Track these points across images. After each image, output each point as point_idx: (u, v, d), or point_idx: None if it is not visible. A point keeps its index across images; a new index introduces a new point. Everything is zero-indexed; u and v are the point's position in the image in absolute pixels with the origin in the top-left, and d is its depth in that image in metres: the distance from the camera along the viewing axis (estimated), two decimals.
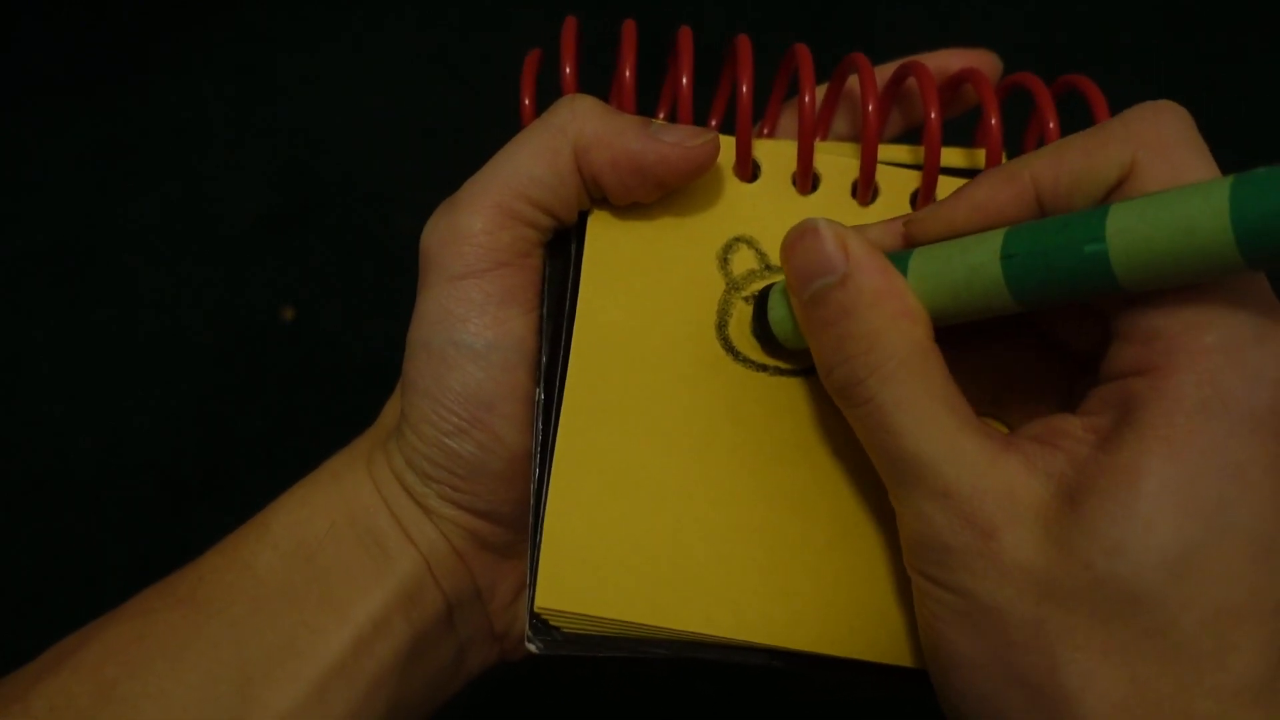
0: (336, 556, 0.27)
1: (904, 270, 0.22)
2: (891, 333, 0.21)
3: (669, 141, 0.25)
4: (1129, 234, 0.18)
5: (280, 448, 0.65)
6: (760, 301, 0.26)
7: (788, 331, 0.25)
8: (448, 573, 0.28)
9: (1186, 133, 0.21)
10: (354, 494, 0.28)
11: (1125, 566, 0.19)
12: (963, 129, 0.31)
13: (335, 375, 0.67)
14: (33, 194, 0.72)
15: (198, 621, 0.25)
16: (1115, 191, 0.21)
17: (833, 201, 0.28)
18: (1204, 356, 0.19)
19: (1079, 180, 0.21)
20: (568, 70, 0.28)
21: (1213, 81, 0.73)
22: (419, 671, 0.28)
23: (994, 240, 0.21)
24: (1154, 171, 0.20)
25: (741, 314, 0.27)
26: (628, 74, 0.28)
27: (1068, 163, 0.21)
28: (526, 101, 0.28)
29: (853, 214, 0.28)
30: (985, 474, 0.20)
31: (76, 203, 0.72)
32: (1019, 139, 0.30)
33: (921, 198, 0.28)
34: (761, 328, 0.26)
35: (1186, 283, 0.19)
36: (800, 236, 0.23)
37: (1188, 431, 0.19)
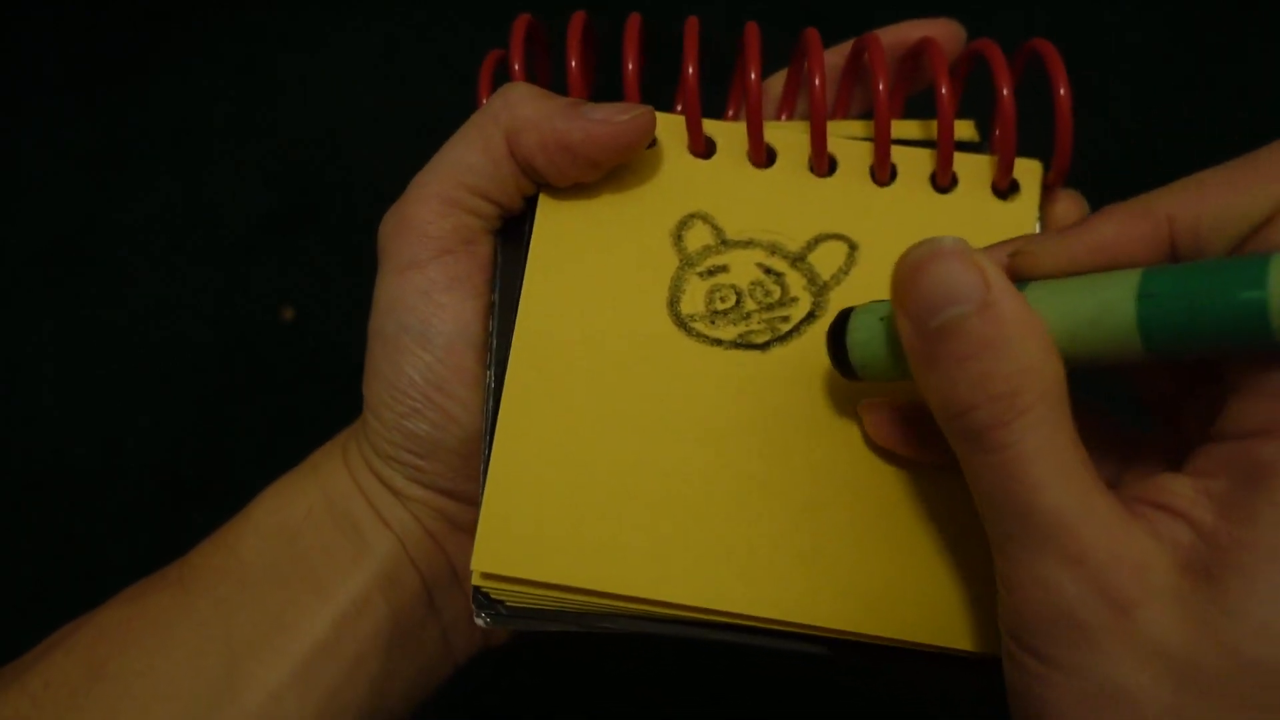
0: (316, 540, 0.27)
1: None
2: (1043, 370, 0.19)
3: (596, 119, 0.26)
4: None
5: (280, 448, 0.65)
6: (837, 328, 0.25)
7: (880, 360, 0.23)
8: (423, 554, 0.28)
9: None
10: (330, 481, 0.29)
11: (1277, 651, 0.17)
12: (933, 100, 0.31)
13: (335, 375, 0.67)
14: (32, 194, 0.73)
15: (185, 601, 0.26)
16: (1260, 232, 0.19)
17: (789, 174, 0.28)
18: None
19: (1222, 218, 0.19)
20: (516, 66, 0.28)
21: (1213, 81, 0.73)
22: (404, 652, 0.28)
23: (1130, 278, 0.19)
24: None
25: (694, 290, 0.27)
26: (630, 66, 0.28)
27: (1211, 198, 0.19)
28: (483, 102, 0.29)
29: (810, 186, 0.28)
30: (1120, 539, 0.18)
31: (76, 203, 0.72)
32: (989, 110, 0.30)
33: (877, 170, 0.28)
34: (838, 355, 0.25)
35: None
36: (930, 258, 0.20)
37: None
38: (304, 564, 0.27)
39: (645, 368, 0.27)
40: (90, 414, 0.67)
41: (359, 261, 0.70)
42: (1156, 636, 0.18)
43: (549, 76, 0.31)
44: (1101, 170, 0.54)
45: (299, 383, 0.68)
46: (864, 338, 0.24)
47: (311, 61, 0.77)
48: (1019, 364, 0.19)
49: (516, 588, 0.25)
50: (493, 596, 0.26)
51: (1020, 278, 0.21)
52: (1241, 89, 0.72)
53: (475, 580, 0.25)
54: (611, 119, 0.26)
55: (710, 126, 0.28)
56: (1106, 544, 0.18)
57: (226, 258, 0.71)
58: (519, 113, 0.26)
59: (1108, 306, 0.19)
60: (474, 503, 0.28)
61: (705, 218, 0.28)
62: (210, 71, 0.76)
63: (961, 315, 0.19)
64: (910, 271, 0.20)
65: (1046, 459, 0.19)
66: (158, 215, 0.72)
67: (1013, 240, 0.22)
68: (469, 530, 0.29)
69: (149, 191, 0.73)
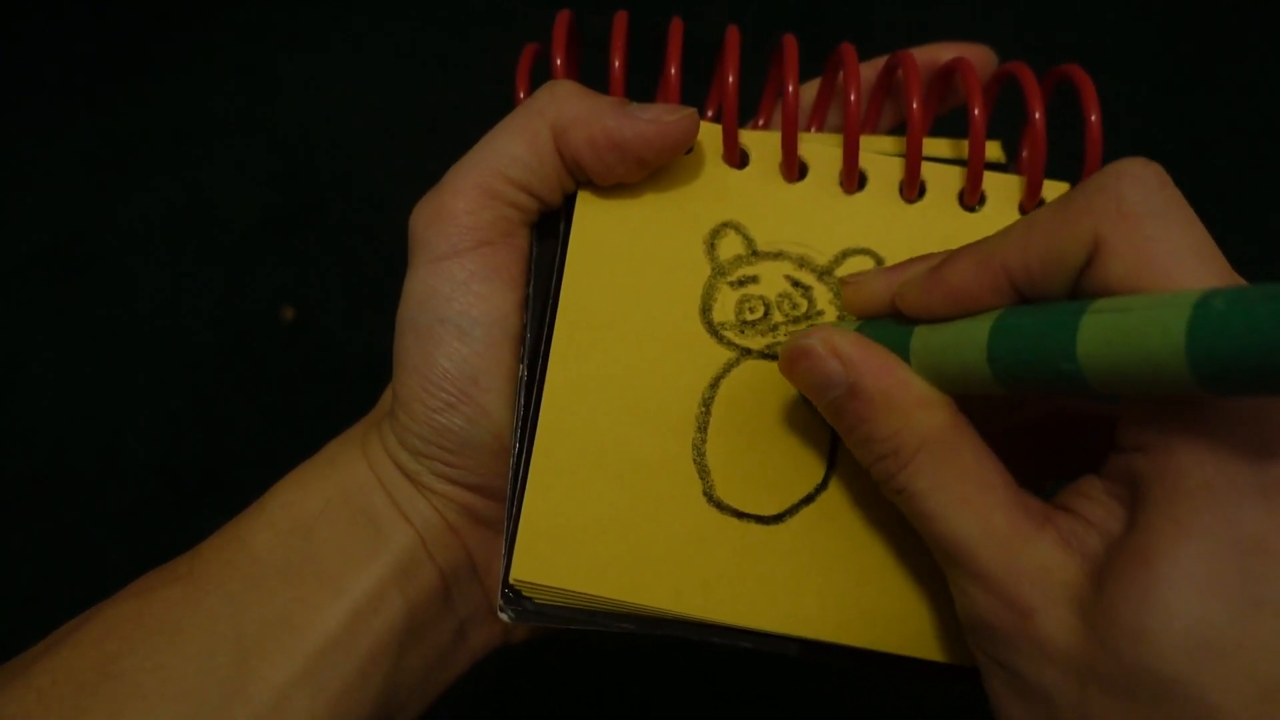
0: (331, 534, 0.27)
1: (907, 351, 0.22)
2: (911, 426, 0.21)
3: (646, 118, 0.26)
4: (1097, 358, 0.18)
5: (280, 447, 0.65)
6: None
7: None
8: (442, 547, 0.28)
9: (1150, 197, 0.20)
10: (348, 474, 0.28)
11: (1150, 653, 0.18)
12: (960, 121, 0.31)
13: (335, 375, 0.67)
14: (33, 194, 0.73)
15: (195, 597, 0.26)
16: (1087, 270, 0.20)
17: (820, 189, 0.28)
18: (1204, 434, 0.18)
19: (1048, 264, 0.20)
20: (558, 62, 0.28)
21: (1212, 81, 0.73)
22: (418, 648, 0.28)
23: (980, 337, 0.21)
24: (1120, 248, 0.19)
25: (725, 299, 0.27)
26: (673, 71, 0.28)
27: (1035, 246, 0.21)
28: (521, 95, 0.29)
29: (840, 201, 0.28)
30: (1019, 554, 0.20)
31: (76, 203, 0.72)
32: (1019, 130, 0.30)
33: (906, 187, 0.28)
34: None
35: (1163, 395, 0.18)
36: (794, 360, 0.23)
37: (1193, 511, 0.18)
38: (317, 560, 0.27)
39: (680, 375, 0.27)
40: (90, 414, 0.67)
41: (359, 261, 0.70)
42: (1056, 638, 0.19)
43: (579, 72, 0.31)
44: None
45: (299, 383, 0.68)
46: None
47: (312, 61, 0.77)
48: (892, 427, 0.22)
49: (549, 590, 0.26)
50: (522, 594, 0.26)
51: (900, 312, 0.24)
52: (1241, 89, 0.72)
53: (512, 580, 0.26)
54: (661, 119, 0.26)
55: (744, 137, 0.29)
56: (1004, 561, 0.20)
57: (226, 258, 0.71)
58: (567, 108, 0.26)
59: (969, 366, 0.21)
60: (500, 497, 0.28)
61: (737, 228, 0.28)
62: (210, 71, 0.76)
63: (837, 398, 0.23)
64: (787, 371, 0.24)
65: (938, 495, 0.21)
66: (158, 215, 0.72)
67: (906, 265, 0.24)
68: (491, 524, 0.29)
69: (149, 191, 0.73)
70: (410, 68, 0.77)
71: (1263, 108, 0.71)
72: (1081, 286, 0.20)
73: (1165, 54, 0.74)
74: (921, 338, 0.22)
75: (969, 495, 0.21)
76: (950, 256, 0.22)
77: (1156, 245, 0.19)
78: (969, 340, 0.21)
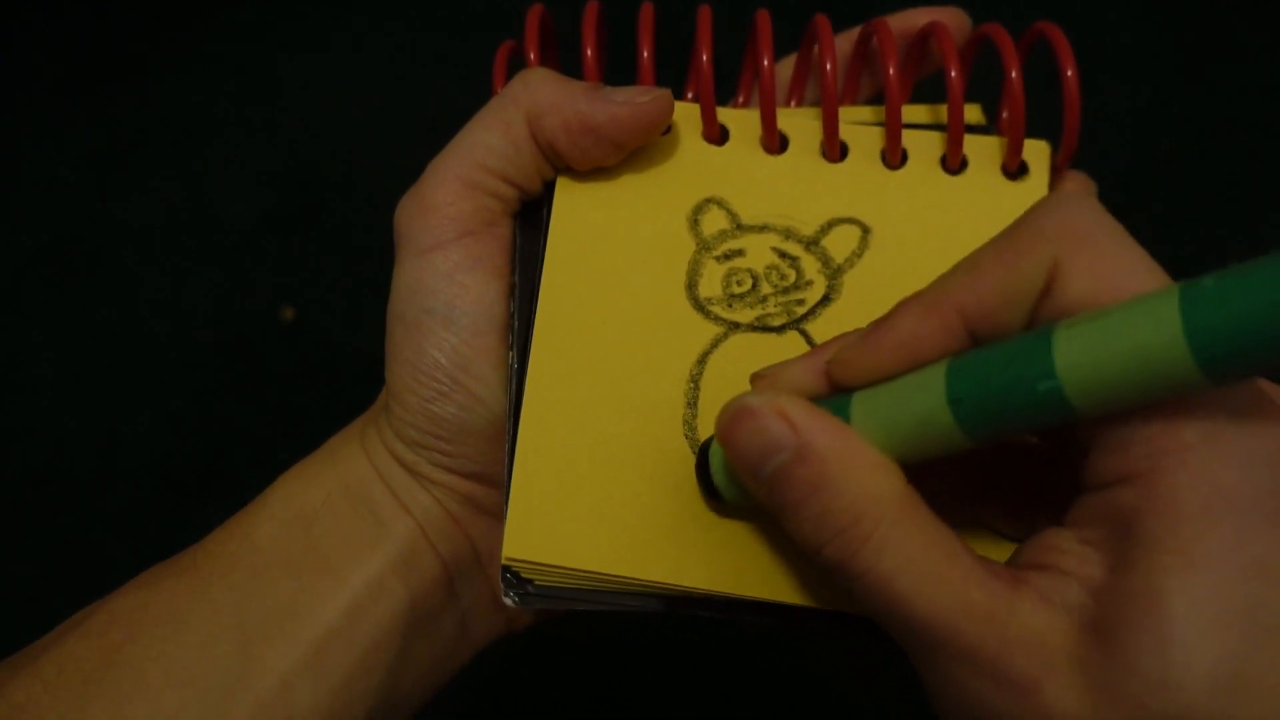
0: (332, 525, 0.27)
1: (846, 420, 0.21)
2: (871, 492, 0.20)
3: (619, 101, 0.26)
4: (1081, 368, 0.17)
5: (280, 447, 0.65)
6: (701, 458, 0.25)
7: (736, 494, 0.24)
8: (444, 538, 0.28)
9: (1100, 219, 0.19)
10: (348, 467, 0.28)
11: (1178, 699, 0.17)
12: (939, 87, 0.31)
13: (335, 375, 0.67)
14: (33, 194, 0.73)
15: (199, 588, 0.26)
16: (1045, 297, 0.19)
17: (802, 160, 0.28)
18: (1189, 453, 0.18)
19: (1005, 294, 0.20)
20: (531, 57, 0.29)
21: (1208, 80, 0.73)
22: (422, 637, 0.28)
23: (935, 383, 0.20)
24: (1079, 267, 0.19)
25: (711, 274, 0.27)
26: (645, 54, 0.28)
27: (988, 278, 0.20)
28: (499, 90, 0.29)
29: (823, 171, 0.28)
30: (1006, 623, 0.19)
31: (76, 203, 0.72)
32: (993, 96, 0.30)
33: (889, 153, 0.28)
34: (706, 486, 0.25)
35: (1152, 402, 0.18)
36: (734, 420, 0.21)
37: (1195, 539, 0.17)
38: (318, 551, 0.27)
39: (665, 350, 0.27)
40: (90, 414, 0.67)
41: (359, 261, 0.70)
42: (1065, 709, 0.18)
43: (559, 68, 0.31)
44: (1097, 168, 0.54)
45: (299, 382, 0.68)
46: (720, 475, 0.24)
47: (311, 61, 0.77)
48: (849, 496, 0.20)
49: (546, 569, 0.25)
50: (522, 576, 0.26)
51: (840, 386, 0.22)
52: (1240, 89, 0.72)
53: (504, 560, 0.25)
54: (634, 100, 0.26)
55: (723, 114, 0.29)
56: (993, 633, 0.19)
57: (226, 258, 0.71)
58: (540, 95, 0.26)
59: (926, 416, 0.20)
60: (499, 485, 0.28)
61: (720, 203, 0.28)
62: (210, 71, 0.76)
63: (782, 464, 0.20)
64: (726, 435, 0.21)
65: (906, 573, 0.19)
66: (158, 215, 0.72)
67: (830, 344, 0.22)
68: (493, 513, 0.29)
69: (149, 191, 0.73)
70: (410, 68, 0.77)
71: (1262, 108, 0.71)
72: (1038, 317, 0.20)
73: (1165, 54, 0.74)
74: (863, 403, 0.21)
75: (939, 568, 0.19)
76: (889, 313, 0.21)
77: (1114, 262, 0.19)
78: (923, 389, 0.20)
